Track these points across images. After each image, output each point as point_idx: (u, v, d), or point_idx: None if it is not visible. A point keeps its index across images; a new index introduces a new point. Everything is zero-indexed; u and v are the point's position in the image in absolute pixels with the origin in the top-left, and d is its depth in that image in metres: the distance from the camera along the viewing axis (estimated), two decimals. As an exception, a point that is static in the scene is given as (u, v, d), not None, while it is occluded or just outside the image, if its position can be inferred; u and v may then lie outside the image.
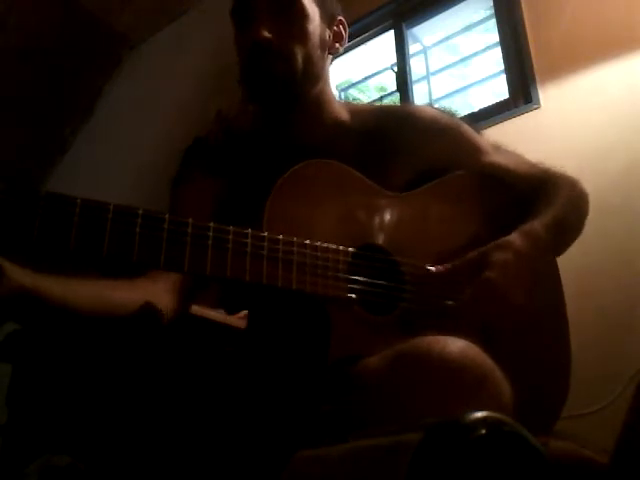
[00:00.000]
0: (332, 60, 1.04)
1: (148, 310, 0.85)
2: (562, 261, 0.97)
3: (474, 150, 1.01)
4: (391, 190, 0.91)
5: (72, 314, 0.76)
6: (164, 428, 0.89)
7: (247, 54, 0.92)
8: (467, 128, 1.03)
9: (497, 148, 1.04)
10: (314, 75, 0.95)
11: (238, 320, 1.29)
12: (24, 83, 3.03)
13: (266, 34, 0.89)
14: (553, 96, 1.89)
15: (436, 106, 1.17)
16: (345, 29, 1.03)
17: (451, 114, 1.06)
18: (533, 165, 1.03)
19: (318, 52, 0.95)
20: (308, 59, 0.93)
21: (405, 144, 0.97)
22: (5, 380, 1.36)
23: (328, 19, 0.99)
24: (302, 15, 0.93)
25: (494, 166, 1.00)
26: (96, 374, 1.07)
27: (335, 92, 1.05)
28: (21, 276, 0.69)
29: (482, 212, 0.96)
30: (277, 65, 0.90)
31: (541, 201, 0.93)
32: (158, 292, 0.88)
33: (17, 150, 3.12)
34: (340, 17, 1.03)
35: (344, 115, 1.01)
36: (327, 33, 0.99)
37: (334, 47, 1.01)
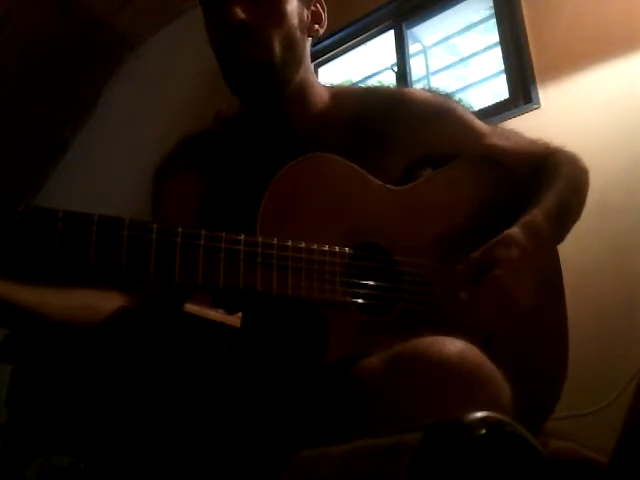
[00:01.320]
0: (312, 43, 0.98)
1: (129, 317, 0.84)
2: (563, 260, 0.97)
3: (472, 133, 0.98)
4: (387, 179, 0.88)
5: (49, 323, 0.75)
6: (164, 428, 0.89)
7: (221, 41, 0.87)
8: (462, 111, 0.99)
9: (494, 129, 1.02)
10: (294, 60, 0.90)
11: (237, 320, 1.29)
12: (24, 83, 3.03)
13: (241, 16, 0.83)
14: (553, 96, 1.89)
15: (430, 89, 1.10)
16: (323, 8, 0.97)
17: (446, 95, 1.01)
18: (533, 142, 1.01)
19: (297, 34, 0.89)
20: (287, 43, 0.87)
21: (398, 130, 0.93)
22: (5, 380, 1.36)
23: (305, 0, 0.93)
24: None
25: (493, 149, 0.98)
26: (95, 374, 1.07)
27: (317, 80, 0.99)
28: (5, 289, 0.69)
29: (483, 198, 0.94)
30: (254, 52, 0.85)
31: (542, 183, 0.91)
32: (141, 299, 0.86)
33: (17, 150, 3.12)
34: None
35: (330, 100, 0.97)
36: (305, 13, 0.93)
37: (313, 28, 0.95)
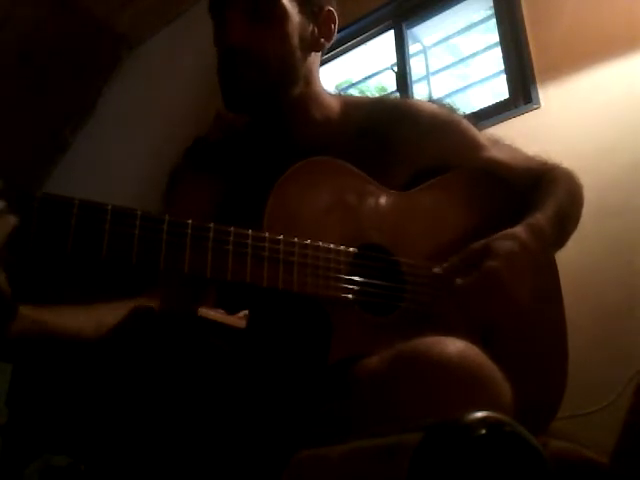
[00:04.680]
0: (322, 54, 0.97)
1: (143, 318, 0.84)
2: (562, 261, 0.97)
3: (473, 146, 1.00)
4: (392, 187, 0.90)
5: (83, 341, 0.77)
6: (164, 428, 0.89)
7: (220, 58, 0.88)
8: (466, 124, 1.02)
9: (495, 143, 1.04)
10: (291, 77, 0.90)
11: (238, 320, 1.29)
12: (24, 83, 3.03)
13: (237, 37, 0.84)
14: (553, 96, 1.89)
15: (434, 100, 1.13)
16: (334, 22, 0.95)
17: (450, 109, 1.04)
18: (530, 158, 1.03)
19: (297, 53, 0.89)
20: (284, 62, 0.88)
21: (404, 140, 0.95)
22: (5, 380, 1.36)
23: (312, 13, 0.92)
24: (280, 15, 0.87)
25: (493, 162, 1.00)
26: (95, 374, 1.07)
27: (326, 89, 1.00)
28: (33, 313, 0.69)
29: (482, 208, 0.96)
30: (249, 72, 0.85)
31: (541, 194, 0.93)
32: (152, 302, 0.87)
33: (17, 150, 3.12)
34: (329, 8, 0.95)
35: (338, 110, 0.98)
36: (310, 29, 0.92)
37: (319, 43, 0.94)
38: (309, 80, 0.94)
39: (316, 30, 0.93)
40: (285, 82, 0.89)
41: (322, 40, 0.94)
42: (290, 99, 0.91)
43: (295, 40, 0.89)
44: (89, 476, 1.06)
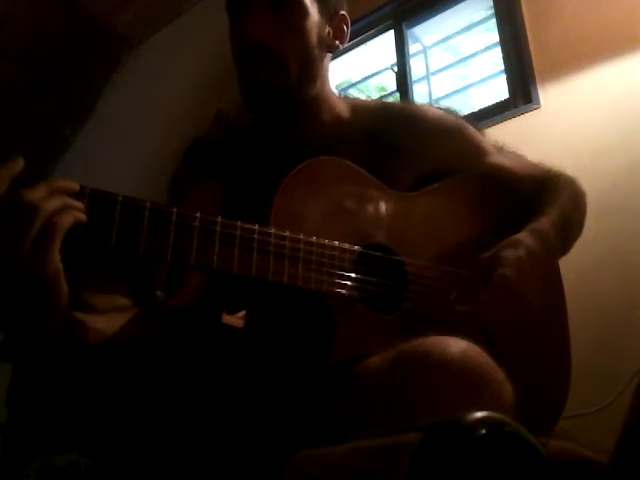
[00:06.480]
0: (331, 57, 0.98)
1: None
2: (562, 261, 0.97)
3: (478, 151, 1.01)
4: (396, 190, 0.91)
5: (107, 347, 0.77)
6: (164, 428, 0.89)
7: (240, 57, 0.88)
8: (471, 129, 1.03)
9: (500, 149, 1.05)
10: (311, 77, 0.91)
11: (238, 320, 1.29)
12: (24, 83, 3.03)
13: (259, 35, 0.84)
14: (553, 96, 1.89)
15: (440, 106, 1.13)
16: (347, 25, 0.97)
17: (456, 114, 1.04)
18: (535, 165, 1.04)
19: (316, 52, 0.90)
20: (304, 61, 0.88)
21: (410, 145, 0.96)
22: (5, 380, 1.36)
23: (329, 15, 0.93)
24: (300, 12, 0.87)
25: (498, 167, 1.00)
26: (95, 374, 1.07)
27: (335, 92, 1.01)
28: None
29: (487, 212, 0.96)
30: (271, 71, 0.86)
31: (545, 200, 0.93)
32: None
33: (17, 149, 3.12)
34: (342, 12, 0.96)
35: (346, 112, 0.98)
36: (327, 30, 0.93)
37: (334, 45, 0.95)
38: (322, 81, 0.95)
39: (331, 32, 0.94)
40: (305, 81, 0.90)
41: (336, 42, 0.95)
42: (305, 99, 0.92)
43: (314, 38, 0.89)
44: (89, 476, 1.06)
